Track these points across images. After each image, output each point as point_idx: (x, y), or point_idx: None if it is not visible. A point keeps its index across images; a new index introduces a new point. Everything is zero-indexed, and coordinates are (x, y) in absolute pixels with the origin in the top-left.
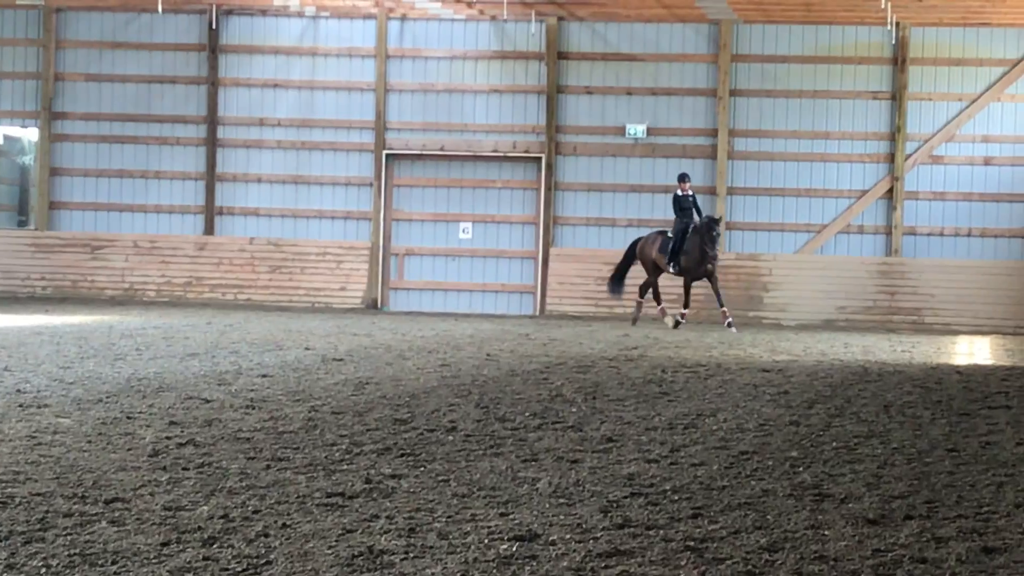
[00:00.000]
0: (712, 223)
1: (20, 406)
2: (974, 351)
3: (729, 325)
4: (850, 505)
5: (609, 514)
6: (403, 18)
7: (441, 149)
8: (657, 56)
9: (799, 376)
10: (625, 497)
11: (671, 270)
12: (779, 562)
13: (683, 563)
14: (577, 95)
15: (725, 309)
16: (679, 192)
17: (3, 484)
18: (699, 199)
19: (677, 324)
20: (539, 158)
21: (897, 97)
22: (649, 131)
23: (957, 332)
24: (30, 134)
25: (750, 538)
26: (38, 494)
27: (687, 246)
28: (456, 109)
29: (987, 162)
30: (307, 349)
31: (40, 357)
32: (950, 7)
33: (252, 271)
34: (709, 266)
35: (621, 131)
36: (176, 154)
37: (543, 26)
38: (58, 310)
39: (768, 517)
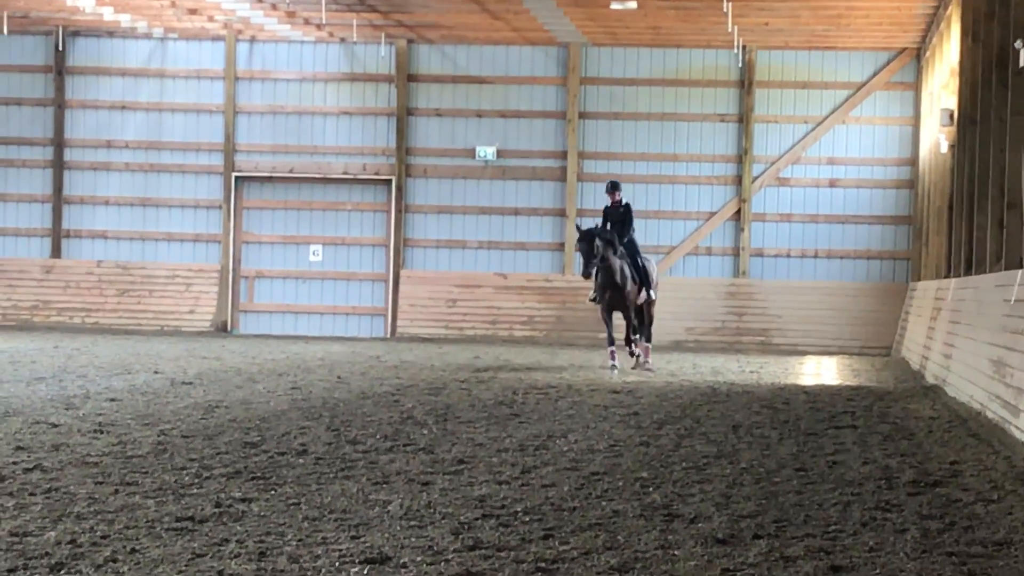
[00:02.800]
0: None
1: None
2: (821, 371)
3: (637, 359)
4: (699, 525)
5: (460, 536)
6: (252, 40)
7: (291, 171)
8: (507, 79)
9: (649, 397)
10: (476, 519)
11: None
12: None
13: None
14: (428, 117)
15: (635, 339)
16: (608, 204)
17: None
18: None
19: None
20: (389, 180)
21: (744, 120)
22: (499, 153)
23: (804, 352)
24: None
25: (601, 559)
26: None
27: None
28: (306, 131)
29: (832, 184)
30: (156, 373)
31: None
32: (795, 31)
33: (100, 294)
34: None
35: (471, 153)
36: (22, 176)
37: (393, 48)
38: None
39: (619, 537)
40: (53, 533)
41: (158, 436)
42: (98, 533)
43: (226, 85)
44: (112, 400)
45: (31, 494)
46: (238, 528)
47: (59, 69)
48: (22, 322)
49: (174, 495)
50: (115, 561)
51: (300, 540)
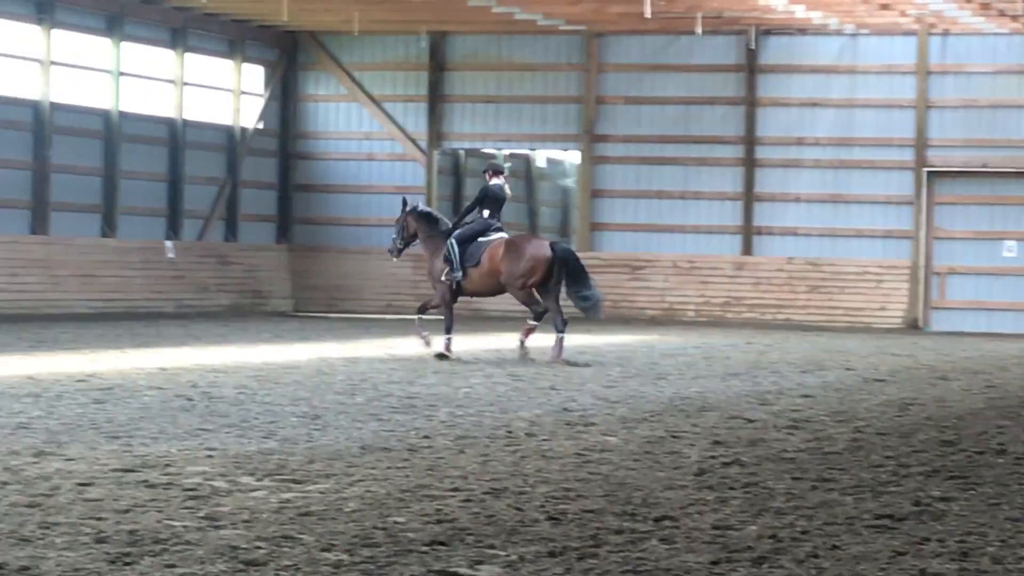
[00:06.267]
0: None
1: (567, 424)
2: None
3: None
4: None
5: None
6: (945, 33)
7: (983, 166)
8: None
9: None
10: None
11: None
12: None
13: None
14: None
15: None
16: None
17: (555, 500)
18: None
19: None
20: None
21: None
22: None
23: None
24: (571, 157)
25: None
26: (589, 511)
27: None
28: (1000, 125)
29: None
30: (848, 369)
31: (585, 376)
32: None
33: (791, 291)
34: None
35: None
36: (714, 174)
37: None
38: (599, 330)
39: None
40: (754, 527)
41: (853, 433)
42: (798, 528)
43: (917, 80)
44: (805, 396)
45: (731, 488)
46: (938, 527)
47: (751, 68)
48: (715, 318)
49: (872, 492)
50: (816, 557)
51: (1003, 541)
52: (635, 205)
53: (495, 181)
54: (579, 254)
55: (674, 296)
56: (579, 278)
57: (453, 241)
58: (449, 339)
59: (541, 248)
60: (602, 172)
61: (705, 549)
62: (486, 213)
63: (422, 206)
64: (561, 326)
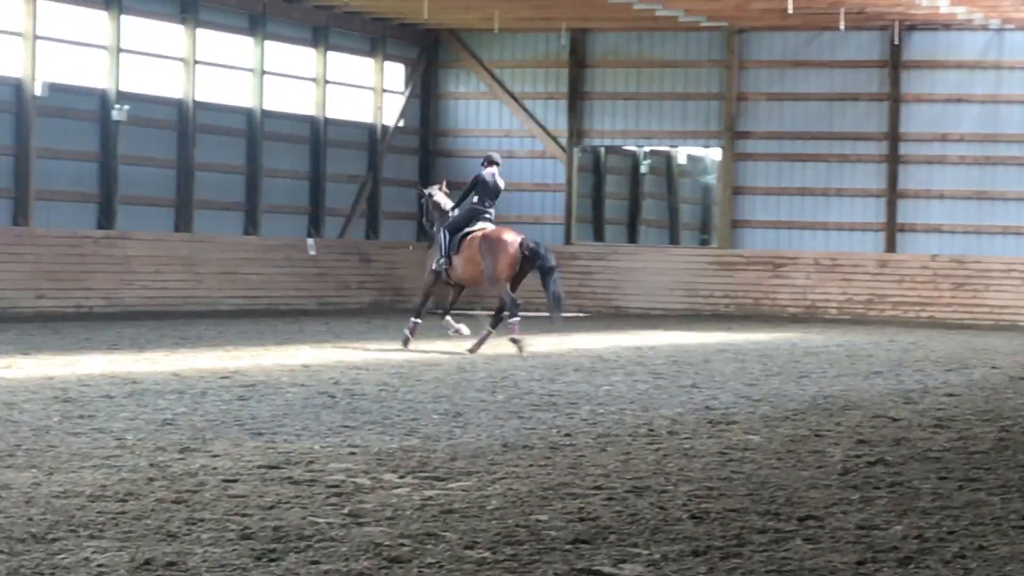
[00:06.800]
0: None
1: (709, 422)
2: None
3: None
4: None
5: None
6: None
7: None
8: None
9: None
10: None
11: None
12: None
13: None
14: None
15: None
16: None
17: (698, 499)
18: None
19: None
20: None
21: None
22: None
23: None
24: (712, 153)
25: None
26: (732, 510)
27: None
28: None
29: None
30: (993, 368)
31: (726, 374)
32: None
33: (934, 288)
34: None
35: None
36: (857, 171)
37: None
38: (740, 327)
39: None
40: (899, 527)
41: (999, 432)
42: (944, 529)
43: None
44: (950, 395)
45: (875, 487)
46: None
47: (895, 63)
48: (856, 316)
49: (1019, 493)
50: (963, 558)
51: None
52: (777, 202)
53: (488, 170)
54: (720, 251)
55: (816, 293)
56: (547, 275)
57: (444, 230)
58: (415, 324)
59: (511, 244)
60: (744, 169)
61: (850, 549)
62: (477, 201)
63: (436, 193)
64: (512, 308)
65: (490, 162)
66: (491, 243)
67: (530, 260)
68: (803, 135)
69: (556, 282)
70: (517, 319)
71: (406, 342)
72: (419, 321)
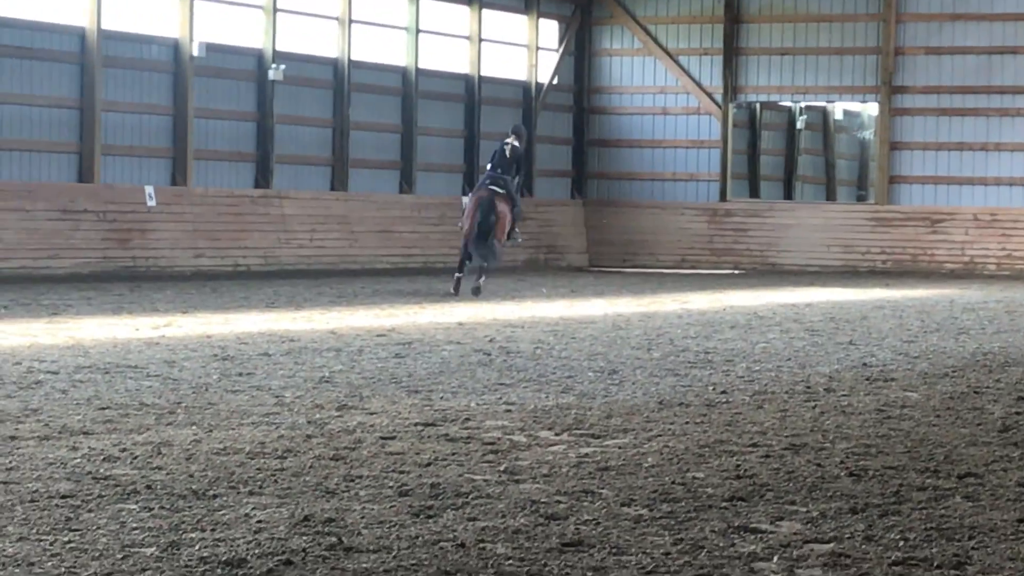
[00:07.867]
0: None
1: (867, 379)
2: None
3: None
4: None
5: None
6: None
7: None
8: None
9: None
10: None
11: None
12: None
13: None
14: None
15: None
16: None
17: (856, 456)
18: None
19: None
20: None
21: None
22: None
23: None
24: (869, 109)
25: None
26: (890, 467)
27: None
28: None
29: None
30: None
31: (883, 331)
32: None
33: None
34: None
35: None
36: (1017, 125)
37: None
38: (898, 284)
39: None
40: None
41: None
42: None
43: None
44: None
45: None
46: None
47: None
48: (1016, 272)
49: None
50: None
51: None
52: (935, 157)
53: (506, 141)
54: (877, 207)
55: (974, 249)
56: (484, 228)
57: (468, 194)
58: (458, 278)
59: (473, 201)
60: (901, 124)
61: (1010, 507)
62: (490, 168)
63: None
64: (480, 262)
65: (512, 132)
66: (471, 202)
67: (484, 209)
68: (961, 89)
69: (487, 246)
70: (484, 267)
71: (457, 288)
72: (460, 275)
